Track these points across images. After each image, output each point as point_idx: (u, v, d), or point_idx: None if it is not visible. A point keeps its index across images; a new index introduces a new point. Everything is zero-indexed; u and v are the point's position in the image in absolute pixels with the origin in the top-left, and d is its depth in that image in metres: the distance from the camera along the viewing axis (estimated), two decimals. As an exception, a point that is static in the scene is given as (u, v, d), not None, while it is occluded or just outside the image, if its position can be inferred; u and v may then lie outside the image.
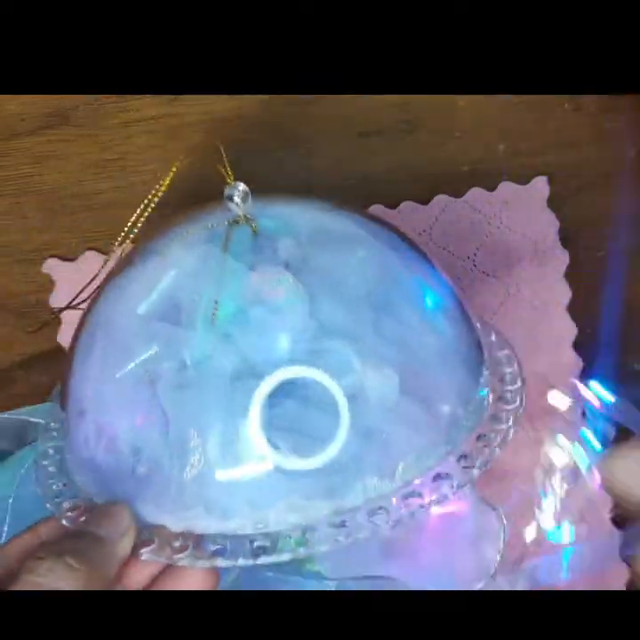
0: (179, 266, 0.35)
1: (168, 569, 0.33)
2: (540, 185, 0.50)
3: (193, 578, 0.33)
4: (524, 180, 0.50)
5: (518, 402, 0.36)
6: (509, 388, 0.37)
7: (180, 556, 0.32)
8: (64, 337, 0.50)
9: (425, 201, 0.51)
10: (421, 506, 0.32)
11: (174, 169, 0.37)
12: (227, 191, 0.35)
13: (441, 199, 0.51)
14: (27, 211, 0.51)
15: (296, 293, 0.33)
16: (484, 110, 0.50)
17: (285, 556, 0.31)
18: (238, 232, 0.35)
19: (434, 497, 0.32)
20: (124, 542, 0.32)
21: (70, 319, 0.50)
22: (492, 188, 0.51)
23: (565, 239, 0.50)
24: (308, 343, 0.33)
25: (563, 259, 0.50)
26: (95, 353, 0.36)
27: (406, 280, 0.37)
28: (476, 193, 0.51)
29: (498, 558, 0.40)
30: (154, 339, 0.33)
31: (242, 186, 0.35)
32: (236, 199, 0.35)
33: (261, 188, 0.36)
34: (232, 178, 0.36)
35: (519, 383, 0.37)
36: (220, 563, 0.31)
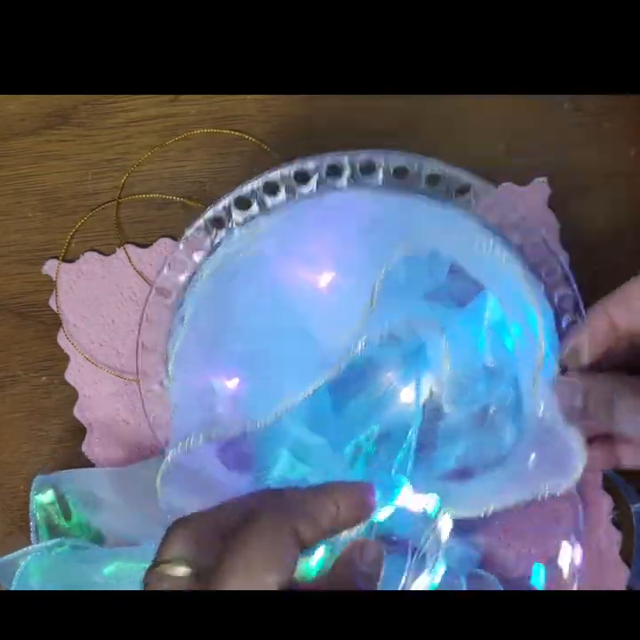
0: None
1: None
2: (540, 185, 0.50)
3: None
4: (523, 180, 0.50)
5: None
6: None
7: None
8: (64, 338, 0.50)
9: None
10: None
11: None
12: None
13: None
14: (27, 211, 0.51)
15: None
16: (484, 110, 0.50)
17: None
18: None
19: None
20: None
21: (70, 320, 0.50)
22: (491, 189, 0.51)
23: (565, 239, 0.50)
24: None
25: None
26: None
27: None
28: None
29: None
30: None
31: None
32: None
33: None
34: None
35: None
36: None
